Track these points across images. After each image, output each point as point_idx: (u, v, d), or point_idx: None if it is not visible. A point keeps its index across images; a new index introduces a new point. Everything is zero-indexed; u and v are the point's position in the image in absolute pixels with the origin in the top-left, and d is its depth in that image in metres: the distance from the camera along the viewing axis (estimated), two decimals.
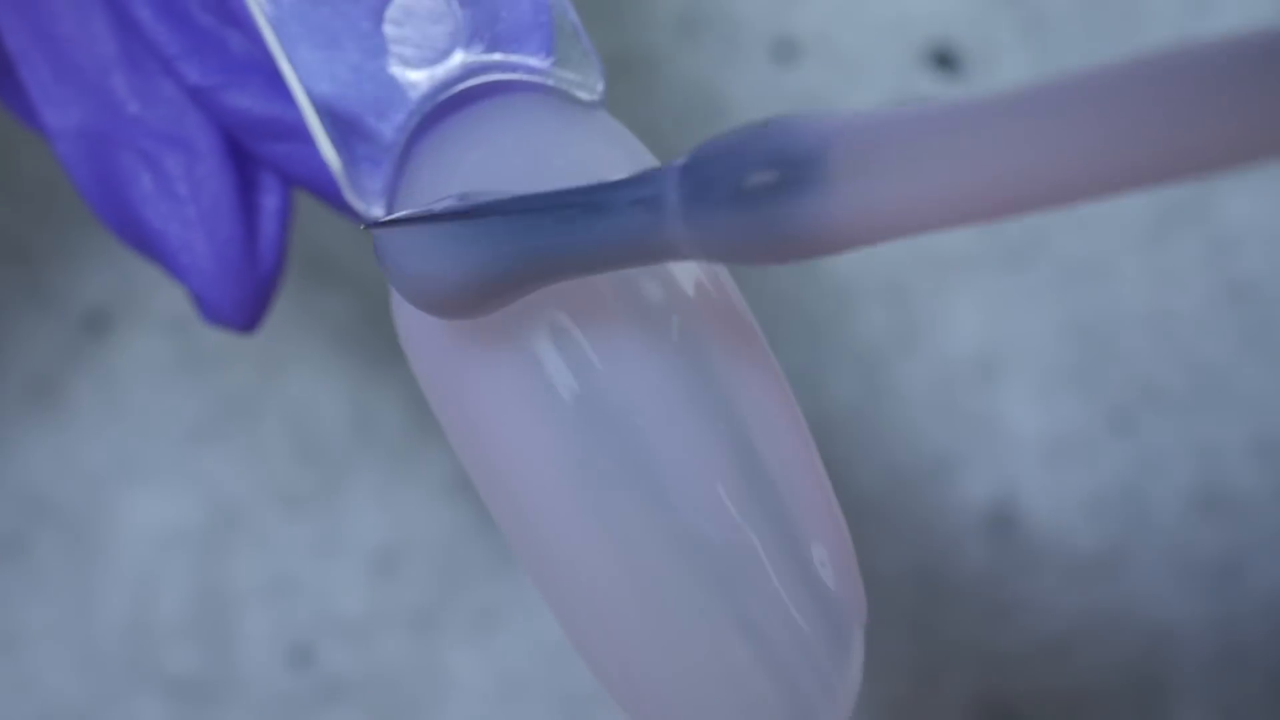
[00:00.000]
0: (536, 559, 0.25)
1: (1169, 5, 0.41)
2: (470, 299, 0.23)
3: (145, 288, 0.40)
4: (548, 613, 0.25)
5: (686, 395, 0.24)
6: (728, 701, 0.24)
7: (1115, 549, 0.40)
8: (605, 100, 0.25)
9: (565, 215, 0.22)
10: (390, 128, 0.25)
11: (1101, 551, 0.40)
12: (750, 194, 0.20)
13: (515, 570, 0.40)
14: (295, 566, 0.40)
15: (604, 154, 0.25)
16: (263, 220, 0.28)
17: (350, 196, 0.25)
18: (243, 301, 0.28)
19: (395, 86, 0.25)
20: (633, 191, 0.22)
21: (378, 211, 0.25)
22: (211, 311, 0.28)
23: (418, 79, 0.25)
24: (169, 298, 0.40)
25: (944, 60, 0.41)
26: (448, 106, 0.25)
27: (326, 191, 0.26)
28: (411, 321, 0.25)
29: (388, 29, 0.25)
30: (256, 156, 0.27)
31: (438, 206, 0.23)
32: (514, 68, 0.25)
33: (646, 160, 0.25)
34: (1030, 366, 0.41)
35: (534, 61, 0.25)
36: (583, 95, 0.25)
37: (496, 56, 0.25)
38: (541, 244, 0.22)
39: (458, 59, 0.25)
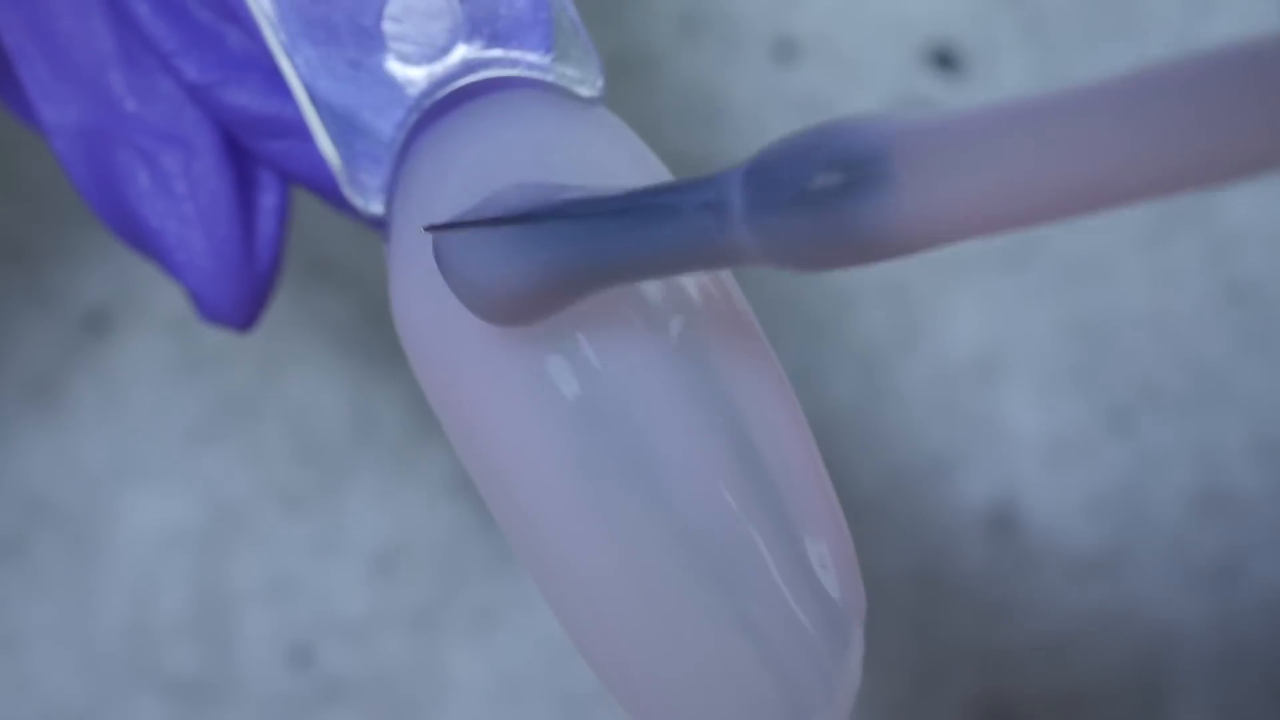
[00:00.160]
0: (537, 558, 0.25)
1: (1169, 5, 0.41)
2: (530, 304, 0.23)
3: (145, 287, 0.40)
4: (548, 612, 0.25)
5: (687, 394, 0.24)
6: (728, 699, 0.24)
7: (1115, 549, 0.40)
8: (605, 96, 0.25)
9: (632, 219, 0.22)
10: (389, 124, 0.25)
11: (1102, 551, 0.40)
12: (815, 196, 0.20)
13: (515, 570, 0.40)
14: (295, 566, 0.40)
15: (605, 150, 0.25)
16: (261, 218, 0.28)
17: (349, 193, 0.25)
18: (240, 300, 0.28)
19: (394, 83, 0.25)
20: (698, 195, 0.21)
21: (377, 209, 0.25)
22: (209, 310, 0.28)
23: (417, 75, 0.25)
24: (169, 297, 0.40)
25: (944, 60, 0.41)
26: (447, 103, 0.25)
27: (325, 189, 0.26)
28: (412, 321, 0.25)
29: (387, 25, 0.25)
30: (255, 154, 0.27)
31: (498, 209, 0.23)
32: (514, 63, 0.25)
33: (647, 157, 0.25)
34: (1030, 366, 0.40)
35: (533, 57, 0.25)
36: (583, 91, 0.25)
37: (496, 52, 0.25)
38: (607, 248, 0.22)
39: (457, 55, 0.25)
